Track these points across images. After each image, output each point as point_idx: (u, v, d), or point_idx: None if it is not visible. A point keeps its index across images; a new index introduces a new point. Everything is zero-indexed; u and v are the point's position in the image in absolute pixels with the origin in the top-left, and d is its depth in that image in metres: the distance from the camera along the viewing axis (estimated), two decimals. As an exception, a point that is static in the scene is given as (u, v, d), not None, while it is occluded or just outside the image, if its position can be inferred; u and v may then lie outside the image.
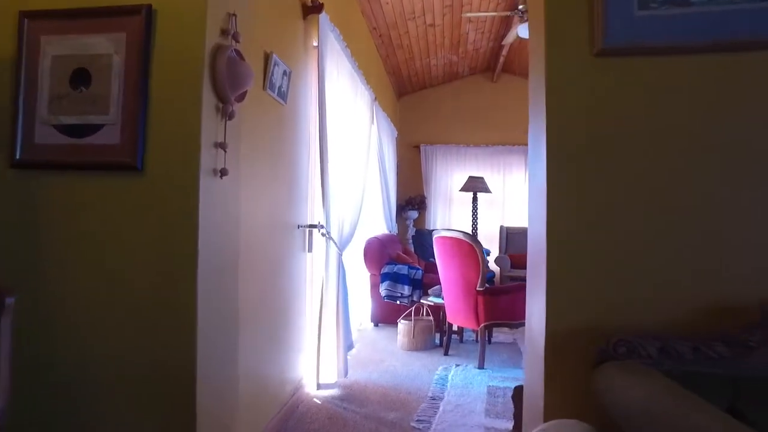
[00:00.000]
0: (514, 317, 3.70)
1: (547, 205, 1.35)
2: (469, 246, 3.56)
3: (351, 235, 3.65)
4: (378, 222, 6.19)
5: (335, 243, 3.16)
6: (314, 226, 3.05)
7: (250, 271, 2.24)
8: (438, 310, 4.46)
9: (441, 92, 8.48)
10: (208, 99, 1.50)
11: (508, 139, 8.35)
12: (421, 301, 4.51)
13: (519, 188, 8.35)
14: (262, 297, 2.43)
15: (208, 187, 1.51)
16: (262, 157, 2.38)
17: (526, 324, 1.63)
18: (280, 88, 2.53)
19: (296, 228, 2.89)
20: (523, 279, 6.77)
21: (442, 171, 8.45)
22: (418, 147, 8.45)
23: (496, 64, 7.65)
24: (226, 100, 1.56)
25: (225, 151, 1.57)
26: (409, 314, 4.36)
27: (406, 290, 4.85)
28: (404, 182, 8.29)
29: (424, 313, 4.57)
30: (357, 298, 5.11)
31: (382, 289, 4.93)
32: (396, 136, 7.41)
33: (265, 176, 2.44)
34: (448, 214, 8.45)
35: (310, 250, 3.09)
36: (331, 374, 3.18)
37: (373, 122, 5.45)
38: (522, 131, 8.04)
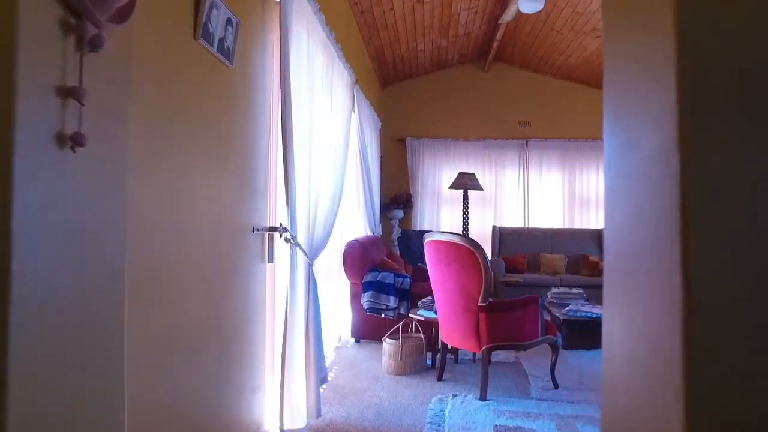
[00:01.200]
0: (523, 337, 3.08)
1: (683, 183, 0.71)
2: (470, 252, 2.93)
3: (325, 239, 2.99)
4: (359, 223, 5.53)
5: (303, 250, 2.50)
6: (275, 229, 2.38)
7: (175, 291, 1.59)
8: (429, 326, 3.82)
9: (429, 82, 7.85)
10: (40, 4, 0.83)
11: (500, 132, 7.75)
12: (410, 315, 3.87)
13: (513, 185, 7.77)
14: (199, 324, 1.77)
15: (39, 165, 0.83)
16: (193, 135, 1.71)
17: (606, 363, 0.99)
18: (222, 42, 1.86)
19: (251, 232, 2.22)
20: (520, 285, 6.18)
21: (429, 167, 7.83)
22: (403, 140, 7.82)
23: (489, 51, 7.04)
24: (84, 13, 0.89)
25: (82, 105, 0.90)
26: (396, 331, 3.71)
27: (392, 302, 4.20)
28: (389, 179, 7.65)
29: (413, 329, 3.92)
30: (335, 310, 4.44)
31: (364, 301, 4.28)
32: (380, 127, 6.76)
33: (202, 162, 1.78)
34: (436, 214, 7.84)
35: (270, 259, 2.42)
36: (298, 416, 2.51)
37: (353, 109, 4.79)
38: (515, 124, 7.48)
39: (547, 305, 4.88)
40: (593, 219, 7.63)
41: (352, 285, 4.51)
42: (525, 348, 3.09)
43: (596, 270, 6.67)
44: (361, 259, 4.41)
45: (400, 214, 7.59)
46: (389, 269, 4.59)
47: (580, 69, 7.08)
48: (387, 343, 3.66)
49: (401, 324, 3.72)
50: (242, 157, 2.11)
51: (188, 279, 1.70)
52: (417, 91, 7.87)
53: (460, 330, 3.12)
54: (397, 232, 7.56)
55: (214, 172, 1.87)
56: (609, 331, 1.02)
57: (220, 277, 1.94)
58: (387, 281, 4.27)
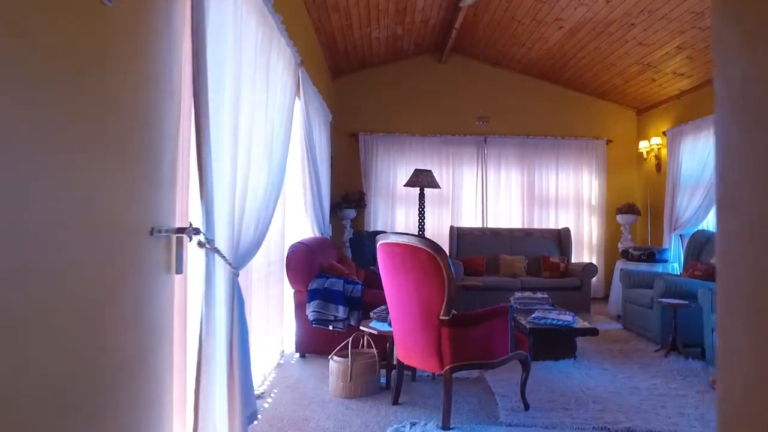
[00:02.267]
0: (491, 354, 2.66)
1: None
2: (431, 257, 2.49)
3: (256, 243, 2.46)
4: (306, 223, 5.01)
5: (224, 257, 1.98)
6: (184, 231, 1.84)
7: (20, 327, 1.05)
8: (383, 339, 3.36)
9: (383, 73, 7.41)
10: None
11: (458, 128, 7.41)
12: (361, 327, 3.39)
13: (471, 183, 7.43)
14: (64, 371, 1.23)
15: None
16: (48, 92, 1.17)
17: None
18: (92, -33, 1.32)
19: (148, 234, 1.68)
20: (480, 288, 5.83)
21: (383, 164, 7.38)
22: (356, 135, 7.34)
23: (447, 41, 6.67)
24: None
25: None
26: (345, 346, 3.22)
27: (341, 312, 3.71)
28: (340, 176, 7.15)
29: (365, 344, 3.45)
30: (277, 321, 3.91)
31: (310, 311, 3.77)
32: (330, 120, 6.25)
33: (68, 132, 1.24)
34: (390, 213, 7.41)
35: (179, 270, 1.88)
36: (218, 466, 1.98)
37: (299, 95, 4.28)
38: (474, 119, 7.14)
39: (510, 311, 4.53)
40: (553, 219, 7.41)
41: (297, 293, 3.99)
42: (493, 366, 2.68)
43: (557, 271, 6.42)
44: (306, 264, 3.89)
45: (352, 213, 7.12)
46: (339, 275, 4.10)
47: (540, 63, 6.82)
48: (334, 362, 3.17)
49: (351, 338, 3.23)
50: (131, 129, 1.57)
51: (44, 307, 1.16)
52: (371, 83, 7.42)
53: (418, 348, 2.68)
54: (349, 233, 7.08)
55: (85, 144, 1.33)
56: (728, 348, 0.62)
57: (99, 298, 1.40)
58: (335, 288, 3.78)
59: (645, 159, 7.14)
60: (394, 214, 7.42)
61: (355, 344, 3.40)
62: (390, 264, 2.69)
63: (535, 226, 7.34)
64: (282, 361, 3.92)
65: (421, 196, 6.60)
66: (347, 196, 7.12)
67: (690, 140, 6.10)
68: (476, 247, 6.80)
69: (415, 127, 7.40)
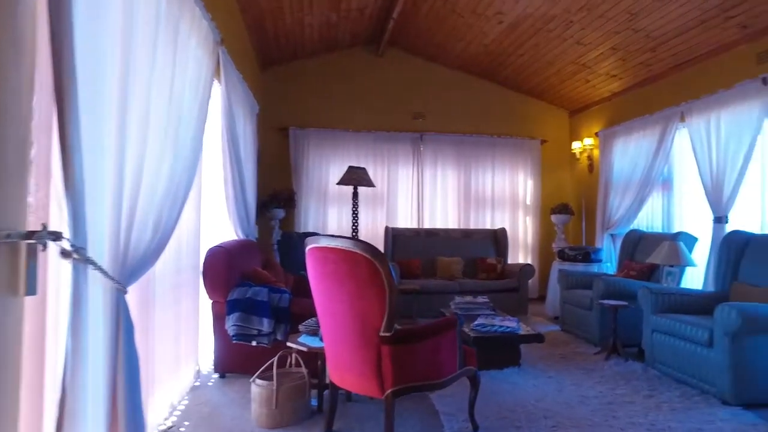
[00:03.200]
0: (439, 374, 2.34)
1: None
2: (369, 264, 2.12)
3: (156, 250, 1.98)
4: (228, 224, 4.50)
5: (103, 271, 1.50)
6: (36, 235, 1.35)
7: None
8: (315, 356, 2.96)
9: (316, 65, 6.97)
10: None
11: (394, 124, 7.11)
12: (288, 343, 2.95)
13: (407, 182, 7.16)
14: None
15: None
16: None
17: None
18: None
19: (-21, 241, 1.18)
20: (417, 293, 5.54)
21: (315, 160, 6.94)
22: (286, 130, 6.85)
23: (383, 33, 6.35)
24: None
25: None
26: (270, 367, 2.78)
27: (266, 325, 3.26)
28: (268, 173, 6.64)
29: (293, 362, 3.03)
30: (192, 338, 3.39)
31: (229, 325, 3.29)
32: (257, 112, 5.74)
33: None
34: (322, 213, 6.98)
35: (31, 290, 1.38)
36: None
37: (220, 79, 3.78)
38: (409, 116, 6.86)
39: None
40: (489, 219, 7.29)
41: (215, 304, 3.49)
42: (441, 387, 2.36)
43: (494, 273, 6.28)
44: (225, 271, 3.40)
45: (281, 213, 6.62)
46: (263, 283, 3.64)
47: (479, 59, 6.66)
48: (257, 387, 2.72)
49: (276, 358, 2.80)
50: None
51: None
52: (303, 75, 6.95)
53: (355, 369, 2.30)
54: (277, 235, 6.58)
55: None
56: None
57: None
58: (259, 299, 3.32)
59: (578, 159, 7.20)
60: (326, 214, 7.00)
61: (282, 363, 2.97)
62: (321, 271, 2.29)
63: (472, 226, 7.20)
64: (198, 384, 3.40)
65: (355, 195, 6.25)
66: (276, 194, 6.61)
67: (621, 141, 6.16)
68: (412, 249, 6.53)
69: (350, 123, 7.02)
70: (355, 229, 6.33)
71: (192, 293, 3.39)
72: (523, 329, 3.78)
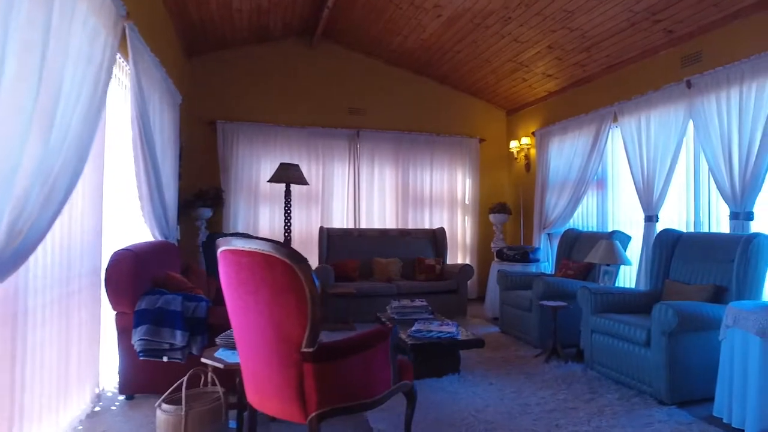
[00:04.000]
0: (370, 392, 2.07)
1: None
2: (287, 269, 1.82)
3: (14, 256, 1.58)
4: (143, 224, 4.04)
5: None
6: None
7: None
8: (234, 373, 2.62)
9: (247, 56, 6.55)
10: None
11: (329, 120, 6.81)
12: (203, 359, 2.59)
13: (343, 180, 6.87)
14: None
15: None
16: None
17: None
18: None
19: None
20: (353, 296, 5.27)
21: (246, 156, 6.52)
22: (213, 124, 6.38)
23: (317, 23, 6.04)
24: None
25: None
26: (179, 388, 2.41)
27: (179, 338, 2.87)
28: (193, 169, 6.16)
29: (208, 381, 2.67)
30: (91, 354, 2.93)
31: (136, 340, 2.87)
32: (180, 102, 5.26)
33: None
34: (253, 213, 6.56)
35: None
36: None
37: (125, 57, 3.34)
38: (346, 111, 6.58)
39: (387, 322, 4.03)
40: (427, 218, 7.14)
41: (120, 316, 3.05)
42: (373, 406, 2.09)
43: (433, 273, 6.12)
44: (132, 277, 2.97)
45: (207, 213, 6.14)
46: (178, 289, 3.24)
47: (417, 54, 6.48)
48: (163, 413, 2.34)
49: (186, 377, 2.43)
50: None
51: None
52: (233, 66, 6.51)
53: (274, 390, 1.99)
54: (203, 237, 6.10)
55: None
56: None
57: None
58: (172, 308, 2.93)
59: (515, 159, 7.20)
60: (258, 214, 6.58)
61: (196, 382, 2.61)
62: (234, 278, 1.97)
63: (410, 226, 7.03)
64: (99, 408, 2.95)
65: (287, 194, 5.90)
66: (202, 192, 6.14)
67: (557, 141, 6.19)
68: (348, 250, 6.26)
69: (282, 117, 6.65)
70: (287, 229, 5.97)
71: (91, 303, 2.94)
72: (463, 334, 3.60)
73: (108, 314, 3.13)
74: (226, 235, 6.15)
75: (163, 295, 3.03)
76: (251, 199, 6.56)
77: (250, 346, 2.02)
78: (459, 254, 7.25)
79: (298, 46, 6.72)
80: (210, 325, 2.99)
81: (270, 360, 1.95)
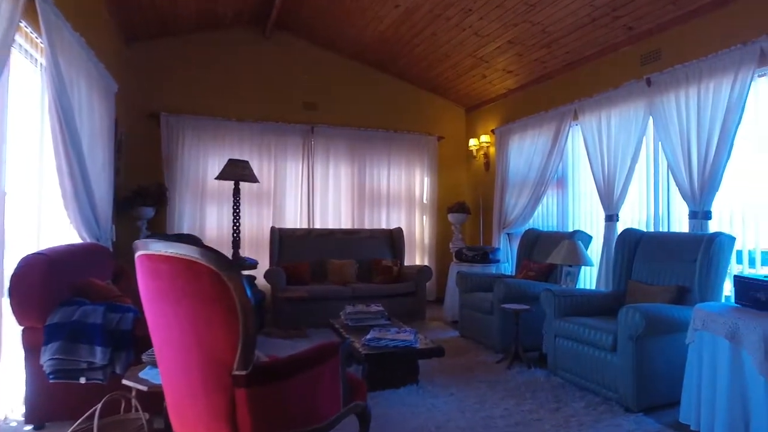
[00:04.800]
0: (317, 417, 1.79)
1: None
2: (214, 278, 1.52)
3: None
4: (68, 224, 3.61)
5: None
6: None
7: None
8: (160, 397, 2.27)
9: (195, 43, 6.12)
10: None
11: (283, 115, 6.46)
12: (124, 380, 2.23)
13: (296, 178, 6.54)
14: None
15: None
16: None
17: None
18: None
19: None
20: (306, 300, 4.93)
21: (192, 152, 6.10)
22: (156, 116, 5.92)
23: (270, 12, 5.69)
24: None
25: None
26: (92, 416, 2.06)
27: (99, 356, 2.50)
28: (134, 165, 5.70)
29: (131, 407, 2.31)
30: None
31: (45, 359, 2.47)
32: (116, 91, 4.79)
33: None
34: (199, 212, 6.14)
35: None
36: None
37: (40, 33, 2.93)
38: (300, 105, 6.26)
39: (341, 330, 3.75)
40: (384, 218, 6.90)
41: (28, 332, 2.64)
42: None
43: (390, 275, 5.88)
44: (42, 287, 2.57)
45: (149, 212, 5.69)
46: (103, 298, 2.85)
47: (374, 47, 6.23)
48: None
49: (101, 403, 2.08)
50: None
51: None
52: (179, 55, 6.06)
53: (197, 419, 1.68)
54: (144, 238, 5.63)
55: None
56: None
57: None
58: (91, 321, 2.55)
59: (474, 157, 7.06)
60: (205, 214, 6.17)
61: (116, 407, 2.25)
62: (153, 288, 1.65)
63: (366, 226, 6.76)
64: (0, 437, 2.54)
65: (236, 192, 5.54)
66: (143, 190, 5.67)
67: (517, 139, 6.07)
68: (301, 251, 5.94)
69: (233, 111, 6.26)
70: (236, 229, 5.60)
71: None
72: (422, 342, 3.37)
73: (13, 330, 2.70)
74: (187, 236, 5.71)
75: (82, 305, 2.64)
76: (198, 198, 6.14)
77: (174, 369, 1.70)
78: (417, 255, 7.05)
79: (251, 36, 6.34)
80: (137, 338, 2.63)
81: (195, 385, 1.64)
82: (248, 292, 1.51)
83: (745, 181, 3.69)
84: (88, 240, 3.88)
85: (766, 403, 2.39)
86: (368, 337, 3.28)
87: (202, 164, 6.14)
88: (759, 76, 3.56)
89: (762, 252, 3.60)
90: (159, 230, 5.90)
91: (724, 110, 3.64)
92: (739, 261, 3.63)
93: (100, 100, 4.21)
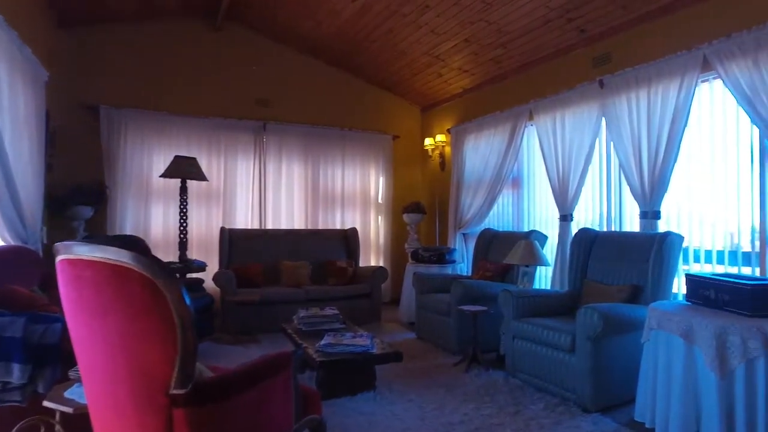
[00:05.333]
0: (266, 437, 1.64)
1: None
2: (146, 284, 1.33)
3: None
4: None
5: None
6: None
7: None
8: (89, 420, 2.04)
9: (139, 32, 5.78)
10: None
11: (234, 110, 6.20)
12: (46, 402, 1.99)
13: (247, 177, 6.28)
14: None
15: None
16: None
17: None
18: None
19: None
20: (257, 304, 4.70)
21: (136, 148, 5.74)
22: (96, 109, 5.52)
23: (221, 2, 5.42)
24: None
25: None
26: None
27: (16, 374, 2.22)
28: (70, 161, 5.29)
29: (56, 430, 2.06)
30: None
31: (-46, 378, 2.18)
32: (46, 80, 4.41)
33: None
34: (144, 212, 5.79)
35: None
36: None
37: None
38: (252, 101, 6.01)
39: (294, 335, 3.58)
40: (339, 218, 6.74)
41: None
42: (270, 454, 1.66)
43: (345, 277, 5.74)
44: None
45: (87, 212, 5.30)
46: (27, 307, 2.57)
47: (329, 43, 6.06)
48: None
49: (18, 427, 1.83)
50: None
51: None
52: (121, 43, 5.69)
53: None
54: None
55: None
56: None
57: None
58: (8, 334, 2.27)
59: (430, 157, 7.01)
60: (150, 214, 5.82)
61: None
62: (76, 298, 1.45)
63: (320, 226, 6.59)
64: None
65: (183, 190, 5.25)
66: (80, 188, 5.27)
67: (472, 139, 6.06)
68: (253, 253, 5.70)
69: (180, 106, 5.93)
70: (183, 230, 5.31)
71: None
72: (378, 347, 3.25)
73: None
74: (129, 237, 5.31)
75: (0, 316, 2.36)
76: (142, 197, 5.78)
77: (100, 390, 1.50)
78: (372, 256, 6.93)
79: (201, 27, 6.03)
80: (65, 353, 2.37)
81: (125, 406, 1.45)
82: (187, 302, 1.34)
83: (690, 182, 3.79)
84: (13, 242, 3.55)
85: (717, 399, 2.42)
86: (323, 342, 3.13)
87: (147, 161, 5.79)
88: (702, 81, 3.67)
89: (706, 251, 3.69)
90: (99, 231, 5.51)
91: (672, 113, 3.73)
92: (685, 260, 3.72)
93: (26, 88, 3.85)
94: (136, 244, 5.19)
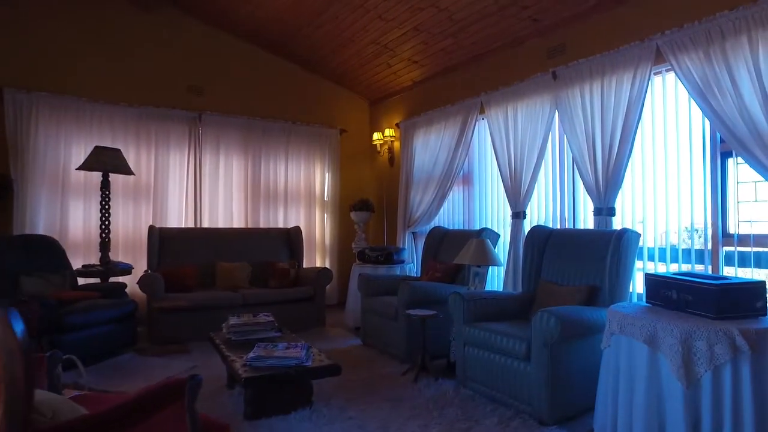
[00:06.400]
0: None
1: None
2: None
3: None
4: None
5: None
6: None
7: None
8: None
9: (56, 7, 5.14)
10: None
11: (165, 99, 5.67)
12: None
13: (181, 171, 5.76)
14: None
15: None
16: None
17: None
18: None
19: None
20: (186, 310, 4.15)
21: (51, 137, 5.12)
22: (-1, 91, 4.88)
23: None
24: None
25: None
26: None
27: None
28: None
29: None
30: None
31: None
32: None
33: None
34: (60, 209, 5.19)
35: None
36: None
37: None
38: (185, 89, 5.44)
39: (222, 346, 3.16)
40: (281, 216, 6.32)
41: None
42: None
43: (287, 279, 5.33)
44: None
45: (-14, 208, 4.66)
46: None
47: (269, 27, 5.63)
48: None
49: None
50: None
51: None
52: (35, 20, 5.06)
53: None
54: (-21, 239, 4.59)
55: None
56: None
57: None
58: None
59: (379, 152, 6.70)
60: (67, 210, 5.20)
61: None
62: None
63: (261, 224, 6.14)
64: None
65: (105, 185, 4.72)
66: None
67: (422, 133, 5.80)
68: (186, 254, 5.21)
69: (103, 91, 5.35)
70: (105, 229, 4.77)
71: None
72: (315, 358, 2.89)
73: None
74: (42, 237, 4.67)
75: None
76: (58, 192, 5.16)
77: None
78: (317, 256, 6.56)
79: (129, 8, 5.46)
80: None
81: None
82: (16, 329, 0.94)
83: (643, 178, 3.66)
84: None
85: (682, 408, 2.23)
86: (251, 355, 2.74)
87: (64, 152, 5.18)
88: (655, 73, 3.56)
89: (660, 249, 3.57)
90: (3, 230, 4.86)
91: (626, 106, 3.60)
92: (640, 258, 3.58)
93: None
94: (49, 247, 4.59)
